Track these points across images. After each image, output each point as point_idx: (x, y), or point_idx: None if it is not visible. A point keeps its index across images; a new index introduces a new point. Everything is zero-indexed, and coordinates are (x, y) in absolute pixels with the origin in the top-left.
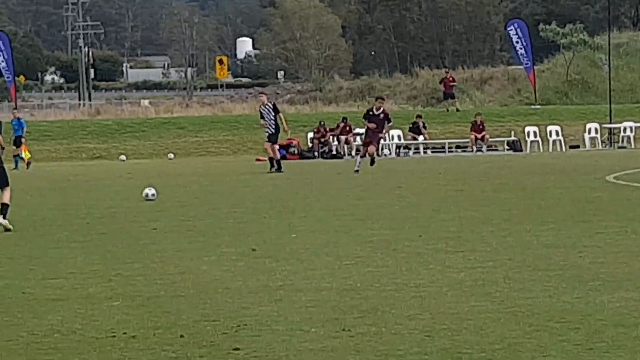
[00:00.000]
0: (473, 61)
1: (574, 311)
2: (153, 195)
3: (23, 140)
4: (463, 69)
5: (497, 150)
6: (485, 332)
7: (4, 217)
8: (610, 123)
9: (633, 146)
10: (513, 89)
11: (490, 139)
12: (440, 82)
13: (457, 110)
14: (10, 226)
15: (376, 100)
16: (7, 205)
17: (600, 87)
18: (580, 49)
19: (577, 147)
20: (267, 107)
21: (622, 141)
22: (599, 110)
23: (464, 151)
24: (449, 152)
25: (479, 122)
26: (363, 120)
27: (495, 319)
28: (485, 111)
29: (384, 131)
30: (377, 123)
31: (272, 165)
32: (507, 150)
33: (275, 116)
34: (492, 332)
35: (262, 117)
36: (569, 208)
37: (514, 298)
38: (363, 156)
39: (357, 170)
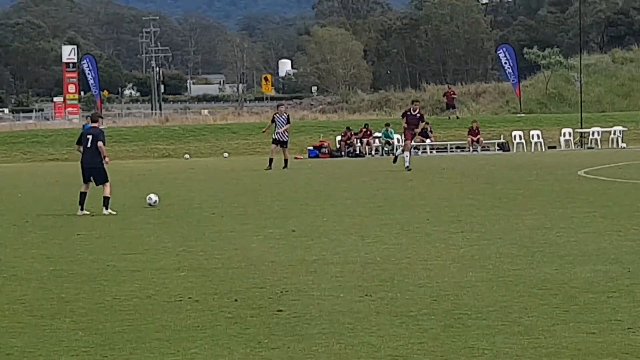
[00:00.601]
0: (470, 78)
1: (553, 280)
2: (155, 202)
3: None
4: (462, 84)
5: (489, 150)
6: (481, 297)
7: (107, 208)
8: (581, 128)
9: (599, 147)
10: (502, 101)
11: (483, 141)
12: (443, 95)
13: (457, 118)
14: (114, 212)
15: (412, 103)
16: (108, 198)
17: (573, 99)
18: (557, 68)
19: (555, 147)
20: (283, 116)
21: (591, 143)
22: (572, 118)
23: (463, 151)
24: (450, 152)
25: (474, 128)
26: (401, 118)
27: (489, 287)
28: (479, 119)
29: (418, 128)
30: (414, 122)
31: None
32: (498, 150)
33: (287, 124)
34: (486, 297)
35: (273, 121)
36: (548, 197)
37: (504, 270)
38: (405, 150)
39: (408, 167)
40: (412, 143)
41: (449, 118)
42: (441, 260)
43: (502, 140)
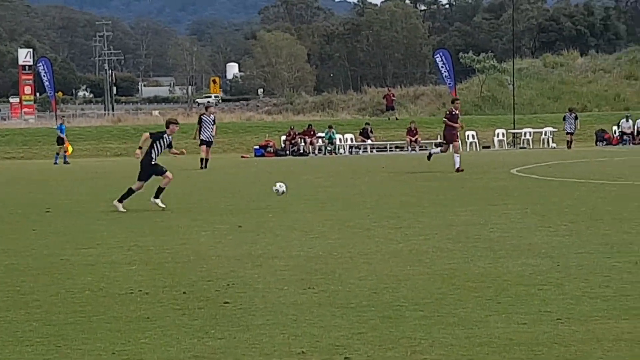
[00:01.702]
0: (409, 81)
1: (486, 274)
2: (282, 192)
3: (65, 140)
4: (401, 87)
5: (427, 149)
6: (418, 290)
7: (157, 198)
8: (514, 129)
9: (531, 147)
10: (439, 103)
11: (421, 141)
12: (383, 98)
13: (397, 119)
14: (162, 205)
15: (453, 102)
16: (162, 189)
17: (506, 101)
18: (491, 72)
19: (489, 147)
20: (211, 117)
21: (523, 143)
22: (505, 119)
23: (402, 151)
24: (390, 151)
25: (413, 128)
26: (445, 120)
27: (426, 280)
28: (418, 120)
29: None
30: (457, 121)
31: (202, 165)
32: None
33: (213, 126)
34: (423, 289)
35: (200, 122)
36: (482, 194)
37: (441, 263)
38: (444, 151)
39: (459, 169)
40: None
41: (389, 119)
42: (381, 254)
43: (439, 141)
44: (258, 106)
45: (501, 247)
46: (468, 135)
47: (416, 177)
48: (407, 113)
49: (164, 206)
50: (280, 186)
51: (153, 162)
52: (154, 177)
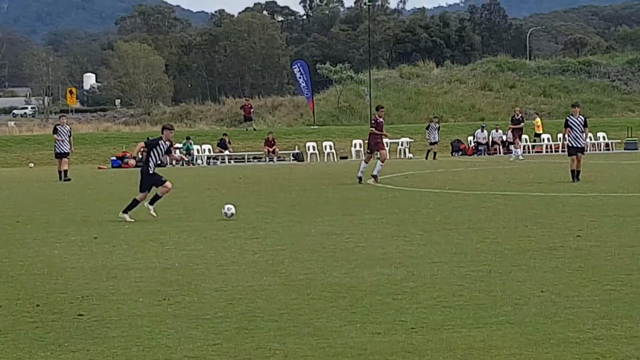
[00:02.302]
0: (267, 92)
1: (342, 283)
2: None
3: None
4: (259, 98)
5: (284, 160)
6: (274, 300)
7: (152, 204)
8: None
9: (388, 157)
10: (297, 113)
11: (279, 152)
12: (241, 108)
13: (254, 129)
14: (154, 214)
15: (377, 110)
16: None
17: (363, 112)
18: (348, 83)
19: (346, 158)
20: (66, 127)
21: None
22: (362, 130)
23: (260, 161)
24: (247, 162)
25: (270, 139)
26: (371, 128)
27: (282, 290)
28: (276, 130)
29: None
30: (382, 130)
31: (61, 177)
32: (293, 160)
33: (69, 137)
34: (279, 300)
35: (55, 131)
36: (339, 204)
37: (297, 274)
38: (367, 161)
39: (376, 176)
40: None
41: (247, 130)
42: (237, 265)
43: (296, 151)
44: (115, 117)
45: (357, 257)
46: (326, 146)
47: (274, 188)
48: (265, 124)
49: (155, 215)
50: (228, 209)
51: (151, 172)
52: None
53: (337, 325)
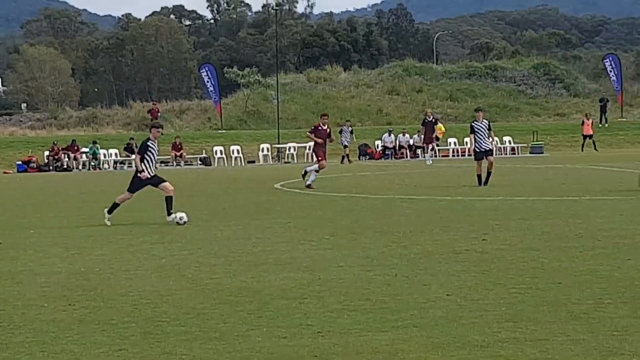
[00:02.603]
0: (174, 96)
1: (249, 288)
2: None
3: None
4: (166, 102)
5: (192, 165)
6: (180, 305)
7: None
8: (279, 144)
9: (296, 161)
10: (205, 118)
11: (186, 156)
12: (148, 112)
13: (162, 134)
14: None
15: (321, 117)
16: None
17: (271, 116)
18: (255, 87)
19: (254, 162)
20: None
21: (288, 158)
22: (270, 134)
23: (167, 166)
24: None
25: (178, 143)
26: (308, 134)
27: (188, 295)
28: (183, 134)
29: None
30: (324, 137)
31: None
32: (200, 164)
33: None
34: (185, 304)
35: None
36: (246, 209)
37: (203, 278)
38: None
39: (310, 185)
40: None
41: None
42: (143, 270)
43: (204, 155)
44: (21, 121)
45: (263, 261)
46: (233, 150)
47: (181, 192)
48: (173, 128)
49: (187, 219)
50: (181, 218)
51: (151, 175)
52: (150, 187)
53: (244, 330)
